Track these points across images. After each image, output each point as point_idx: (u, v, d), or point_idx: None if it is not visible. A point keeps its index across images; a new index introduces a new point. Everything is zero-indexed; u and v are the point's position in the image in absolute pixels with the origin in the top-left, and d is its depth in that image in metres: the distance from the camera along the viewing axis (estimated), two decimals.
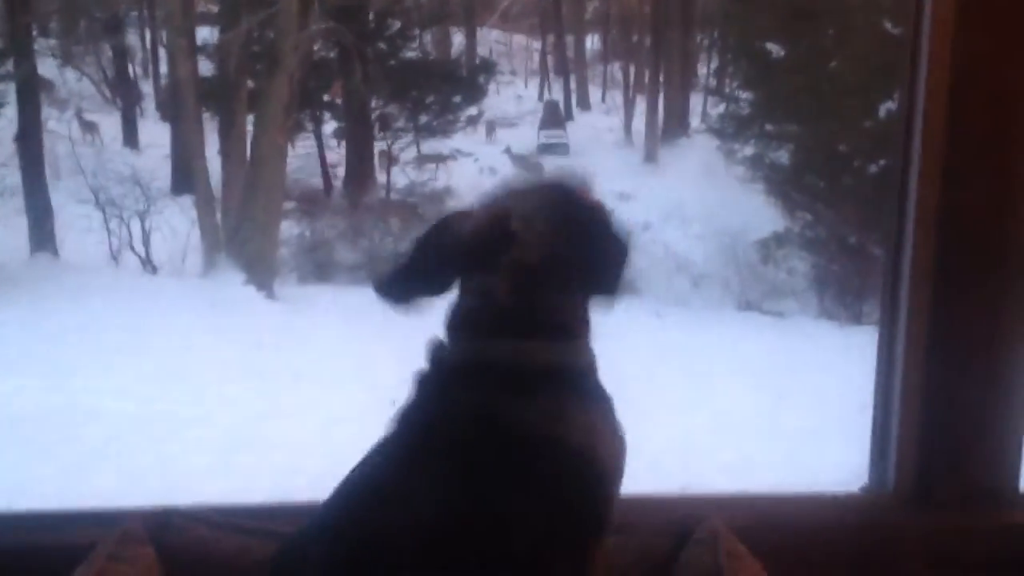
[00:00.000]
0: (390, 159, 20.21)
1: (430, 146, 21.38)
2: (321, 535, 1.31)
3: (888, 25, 13.71)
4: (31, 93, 13.98)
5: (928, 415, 1.72)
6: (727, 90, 20.14)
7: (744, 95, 17.41)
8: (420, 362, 1.42)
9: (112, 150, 17.31)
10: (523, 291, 1.35)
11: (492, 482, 1.25)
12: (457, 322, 1.39)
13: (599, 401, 1.36)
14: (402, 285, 1.45)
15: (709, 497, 1.77)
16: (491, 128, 24.80)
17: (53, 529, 1.59)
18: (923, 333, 1.71)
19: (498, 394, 1.30)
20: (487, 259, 1.36)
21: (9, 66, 13.66)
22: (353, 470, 1.36)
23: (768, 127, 16.10)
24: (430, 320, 1.48)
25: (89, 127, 19.20)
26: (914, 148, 1.73)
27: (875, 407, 1.81)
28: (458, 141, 22.38)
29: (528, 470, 1.26)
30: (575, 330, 1.38)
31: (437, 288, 1.43)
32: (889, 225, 1.81)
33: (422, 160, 20.84)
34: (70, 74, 22.64)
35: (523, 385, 1.30)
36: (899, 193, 1.77)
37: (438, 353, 1.39)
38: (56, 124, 17.19)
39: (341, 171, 20.69)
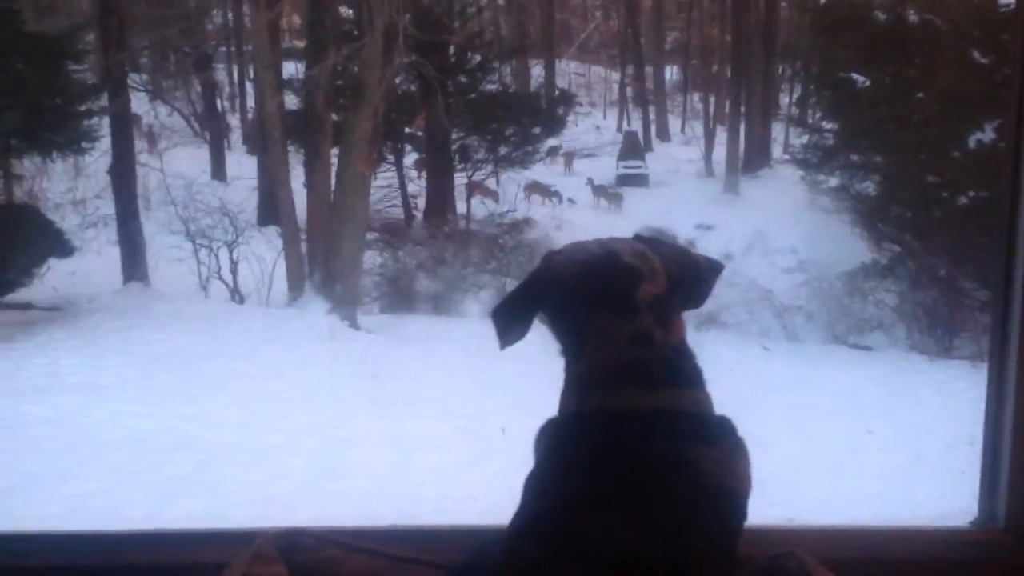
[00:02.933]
0: (468, 191, 20.38)
1: (509, 177, 21.57)
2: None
3: (976, 54, 13.47)
4: (124, 126, 14.37)
5: None
6: (810, 120, 19.93)
7: (828, 125, 17.23)
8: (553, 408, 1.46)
9: (201, 182, 17.71)
10: (661, 331, 1.41)
11: (685, 522, 1.33)
12: (606, 368, 1.41)
13: (746, 448, 1.43)
14: (510, 317, 1.49)
15: (814, 529, 1.74)
16: (569, 159, 24.89)
17: (188, 548, 1.64)
18: None
19: (684, 443, 1.36)
20: (619, 298, 1.41)
21: (103, 100, 14.04)
22: (536, 511, 1.38)
23: (853, 157, 15.89)
24: (508, 352, 1.50)
25: (151, 137, 19.95)
26: (1023, 176, 1.70)
27: (985, 440, 1.77)
28: (537, 172, 22.50)
29: (710, 512, 1.35)
30: (700, 371, 1.46)
31: (526, 327, 1.47)
32: (997, 256, 1.77)
33: (531, 190, 21.08)
34: (161, 108, 23.34)
35: (699, 434, 1.38)
36: (1008, 223, 1.73)
37: (594, 400, 1.41)
38: (147, 157, 17.68)
39: (421, 202, 20.93)
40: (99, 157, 14.95)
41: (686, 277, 1.47)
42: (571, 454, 1.39)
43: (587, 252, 1.47)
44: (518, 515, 1.39)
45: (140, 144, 17.79)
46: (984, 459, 1.78)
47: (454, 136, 20.44)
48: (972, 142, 12.88)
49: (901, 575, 1.66)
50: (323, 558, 1.43)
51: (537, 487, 1.39)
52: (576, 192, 22.50)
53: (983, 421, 1.77)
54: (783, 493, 5.92)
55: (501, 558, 1.34)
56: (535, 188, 21.32)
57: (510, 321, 1.48)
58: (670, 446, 1.35)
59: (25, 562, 1.64)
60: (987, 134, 12.76)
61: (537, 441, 1.44)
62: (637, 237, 1.52)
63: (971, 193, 12.99)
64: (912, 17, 14.33)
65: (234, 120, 26.87)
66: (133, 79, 19.34)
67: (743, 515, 1.39)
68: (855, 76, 14.85)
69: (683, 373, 1.42)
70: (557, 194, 21.44)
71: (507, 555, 1.34)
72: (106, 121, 14.27)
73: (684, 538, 1.32)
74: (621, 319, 1.40)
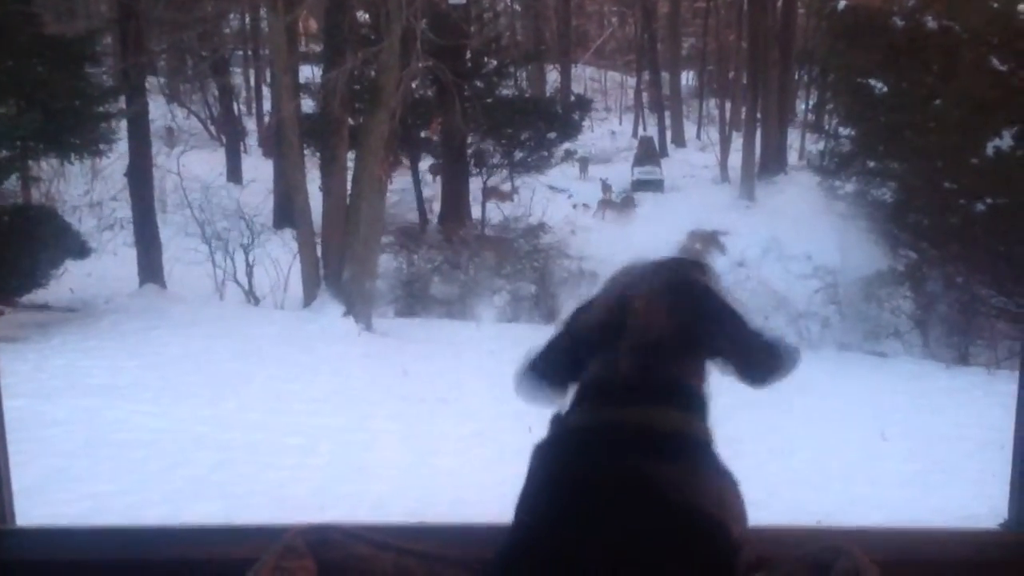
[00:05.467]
0: (483, 196, 20.41)
1: (524, 182, 21.65)
2: None
3: (995, 61, 13.41)
4: (141, 130, 14.42)
5: None
6: (827, 126, 19.90)
7: (845, 131, 17.17)
8: (536, 420, 1.47)
9: (217, 185, 17.78)
10: (647, 363, 1.41)
11: (635, 540, 1.30)
12: (586, 392, 1.45)
13: (725, 473, 1.39)
14: (540, 373, 1.53)
15: (845, 530, 1.73)
16: (584, 164, 24.91)
17: (217, 543, 1.65)
18: None
19: (639, 458, 1.34)
20: (610, 339, 1.44)
21: (121, 103, 14.09)
22: (512, 532, 1.41)
23: (870, 164, 15.84)
24: (523, 356, 1.53)
25: (170, 132, 20.19)
26: None
27: (1016, 442, 1.75)
28: (552, 177, 22.53)
29: (667, 531, 1.31)
30: (696, 402, 1.43)
31: (569, 376, 1.49)
32: None
33: (605, 207, 21.37)
34: (178, 111, 23.45)
35: (660, 450, 1.36)
36: None
37: (570, 419, 1.44)
38: (165, 160, 17.74)
39: (436, 206, 20.96)
40: (116, 159, 15.02)
41: (708, 333, 1.45)
42: (538, 472, 1.42)
43: (610, 292, 1.51)
44: (503, 537, 1.41)
45: (158, 147, 17.86)
46: (1015, 461, 1.77)
47: (470, 141, 20.47)
48: (990, 149, 12.83)
49: None
50: (352, 554, 1.44)
51: (517, 507, 1.42)
52: (590, 197, 22.55)
53: (1013, 422, 1.75)
54: (800, 497, 5.92)
55: None
56: (608, 205, 21.50)
57: (550, 360, 1.54)
58: (627, 459, 1.34)
59: (53, 556, 1.65)
60: (1005, 141, 12.71)
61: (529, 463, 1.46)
62: (691, 281, 1.51)
63: (988, 200, 12.94)
64: (930, 23, 14.26)
65: (250, 123, 27.00)
66: (151, 82, 19.46)
67: (727, 544, 1.34)
68: (873, 82, 14.80)
69: (662, 393, 1.40)
70: (630, 201, 21.78)
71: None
72: (123, 124, 14.34)
73: (648, 556, 1.29)
74: (608, 351, 1.43)
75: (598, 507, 1.32)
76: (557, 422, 1.45)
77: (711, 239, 18.53)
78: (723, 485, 1.37)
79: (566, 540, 1.31)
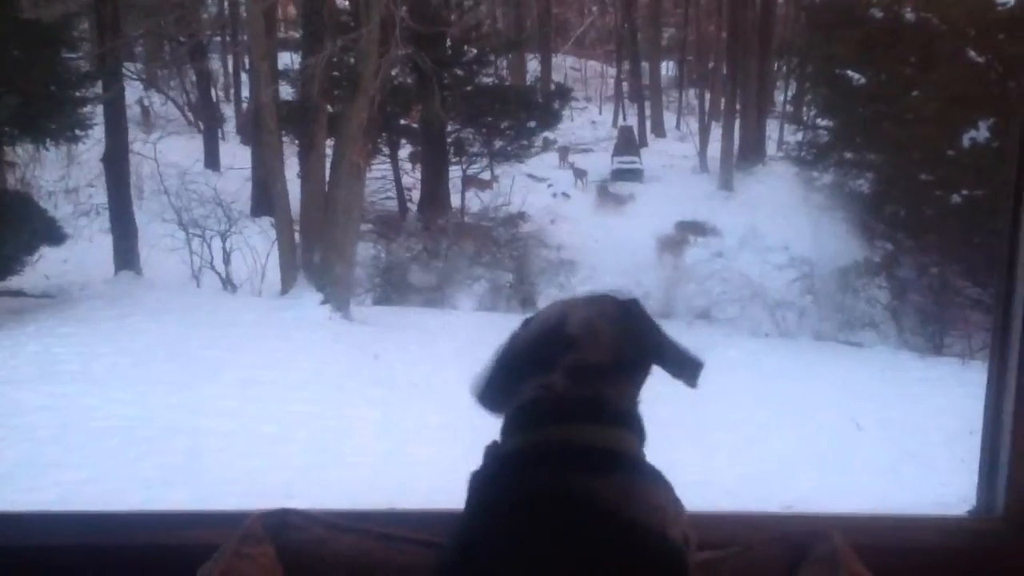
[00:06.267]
0: (463, 185, 20.40)
1: (504, 171, 21.64)
2: None
3: (972, 53, 13.48)
4: (118, 115, 14.32)
5: None
6: (805, 117, 19.96)
7: (823, 122, 17.25)
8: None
9: (194, 172, 17.66)
10: (581, 383, 1.41)
11: (576, 557, 1.28)
12: (519, 417, 1.43)
13: (660, 481, 1.39)
14: (492, 391, 1.52)
15: (816, 516, 1.74)
16: (564, 153, 24.90)
17: (178, 529, 1.65)
18: None
19: (574, 474, 1.33)
20: (546, 361, 1.43)
21: (98, 88, 13.99)
22: (448, 548, 1.40)
23: (847, 155, 15.92)
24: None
25: (146, 112, 20.02)
26: None
27: (984, 429, 1.77)
28: (532, 166, 22.51)
29: (607, 546, 1.29)
30: (627, 419, 1.42)
31: (508, 399, 1.48)
32: (1000, 248, 1.77)
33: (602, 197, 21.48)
34: (155, 97, 23.28)
35: (593, 465, 1.34)
36: (1012, 217, 1.73)
37: (504, 446, 1.43)
38: (141, 146, 17.61)
39: (416, 194, 20.91)
40: (92, 145, 14.91)
41: (645, 358, 1.46)
42: (473, 497, 1.41)
43: (547, 318, 1.50)
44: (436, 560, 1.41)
45: (135, 133, 17.72)
46: (983, 449, 1.78)
47: (449, 129, 20.42)
48: (966, 141, 12.90)
49: (900, 563, 1.66)
50: (312, 538, 1.44)
51: (452, 533, 1.41)
52: (570, 186, 22.57)
53: (982, 412, 1.77)
54: (774, 484, 5.95)
55: None
56: (605, 194, 21.82)
57: (493, 387, 1.52)
58: (562, 477, 1.33)
59: (24, 542, 1.64)
60: (981, 132, 12.78)
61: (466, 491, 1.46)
62: (626, 309, 1.49)
63: (964, 192, 13.01)
64: (908, 15, 14.35)
65: (228, 110, 26.80)
66: (128, 67, 19.29)
67: (668, 551, 1.32)
68: (851, 73, 14.86)
69: (593, 411, 1.39)
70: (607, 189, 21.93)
71: None
72: (100, 109, 14.23)
73: (590, 571, 1.28)
74: (541, 378, 1.42)
75: (535, 526, 1.30)
76: (492, 451, 1.44)
77: (699, 229, 18.62)
78: (658, 494, 1.36)
79: (503, 561, 1.29)
